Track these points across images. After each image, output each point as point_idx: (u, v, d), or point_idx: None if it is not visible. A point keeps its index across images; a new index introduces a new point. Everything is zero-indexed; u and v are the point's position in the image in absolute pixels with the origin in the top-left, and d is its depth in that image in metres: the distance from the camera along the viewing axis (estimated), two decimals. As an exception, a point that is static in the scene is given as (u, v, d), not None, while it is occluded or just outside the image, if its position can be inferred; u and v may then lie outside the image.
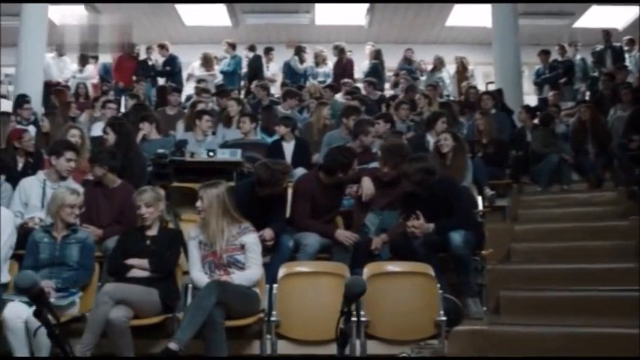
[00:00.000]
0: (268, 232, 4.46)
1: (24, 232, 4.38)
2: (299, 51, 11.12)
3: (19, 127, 6.95)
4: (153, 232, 4.18)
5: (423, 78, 11.39)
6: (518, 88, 9.60)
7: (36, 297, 1.56)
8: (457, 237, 4.36)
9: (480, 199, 5.87)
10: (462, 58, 11.43)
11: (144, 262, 4.01)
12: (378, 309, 4.05)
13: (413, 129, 7.78)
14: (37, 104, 8.65)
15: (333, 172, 4.74)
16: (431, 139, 6.52)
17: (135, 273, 3.99)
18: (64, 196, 4.15)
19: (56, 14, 10.93)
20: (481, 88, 10.46)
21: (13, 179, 5.14)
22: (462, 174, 5.54)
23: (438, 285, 4.11)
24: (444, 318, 3.97)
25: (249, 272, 3.97)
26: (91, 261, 4.21)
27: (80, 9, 11.54)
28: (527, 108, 7.98)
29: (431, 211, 4.51)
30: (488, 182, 6.40)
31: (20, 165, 5.79)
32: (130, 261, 4.03)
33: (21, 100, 7.98)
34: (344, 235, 4.59)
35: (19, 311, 3.62)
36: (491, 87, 10.04)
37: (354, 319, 3.86)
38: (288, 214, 4.86)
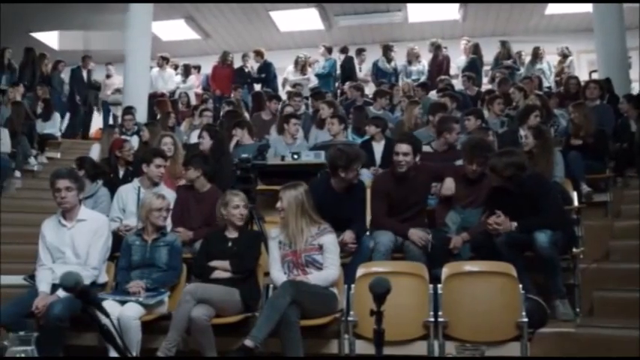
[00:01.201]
0: (349, 235, 4.50)
1: (118, 236, 4.68)
2: (386, 50, 11.05)
3: (123, 137, 7.43)
4: (234, 234, 4.34)
5: (522, 71, 10.98)
6: (624, 76, 9.02)
7: (81, 295, 1.68)
8: (543, 237, 4.16)
9: (575, 195, 5.58)
10: (563, 48, 10.91)
11: (225, 263, 4.18)
12: (457, 310, 3.97)
13: (507, 124, 7.53)
14: (143, 115, 9.21)
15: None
16: (524, 134, 6.29)
17: (217, 274, 4.17)
18: (150, 201, 4.40)
19: (160, 29, 11.58)
20: (586, 77, 9.92)
21: (114, 187, 5.50)
22: (550, 170, 5.30)
23: (520, 285, 3.97)
24: (525, 319, 3.84)
25: (326, 273, 4.02)
26: (179, 262, 4.43)
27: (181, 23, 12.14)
28: (629, 97, 7.48)
29: (517, 208, 4.34)
30: (586, 177, 6.07)
31: (121, 173, 6.18)
32: (213, 263, 4.21)
33: (125, 112, 8.51)
34: (417, 234, 4.52)
35: (111, 308, 3.88)
36: (595, 76, 9.50)
37: (431, 319, 3.94)
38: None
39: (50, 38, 12.90)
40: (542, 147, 5.37)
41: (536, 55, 10.86)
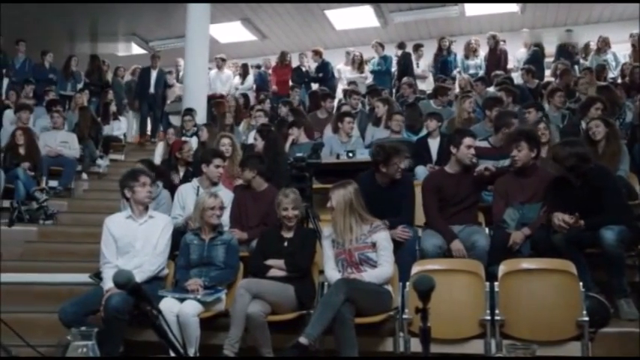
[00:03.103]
0: (401, 230, 4.50)
1: (178, 234, 4.80)
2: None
3: (182, 138, 7.63)
4: (290, 233, 4.38)
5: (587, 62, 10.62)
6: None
7: (133, 291, 1.73)
8: (609, 235, 4.00)
9: (640, 189, 5.37)
10: (638, 35, 10.43)
11: (280, 262, 4.23)
12: (515, 308, 3.90)
13: (568, 117, 7.31)
14: (202, 116, 9.40)
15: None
16: (585, 126, 6.10)
17: (273, 273, 4.22)
18: (203, 200, 4.51)
19: (217, 31, 11.79)
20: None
21: (174, 188, 5.66)
22: (615, 163, 5.12)
23: (581, 283, 3.85)
24: (586, 318, 3.73)
25: (380, 270, 4.02)
26: (236, 261, 4.52)
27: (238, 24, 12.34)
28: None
29: (579, 201, 4.19)
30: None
31: (181, 173, 6.35)
32: (269, 262, 4.27)
33: (185, 113, 8.72)
34: (457, 248, 4.46)
35: (171, 306, 4.01)
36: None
37: (487, 317, 3.87)
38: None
39: (114, 45, 13.37)
40: (610, 137, 5.19)
41: (601, 45, 10.49)
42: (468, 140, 4.77)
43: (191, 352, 3.98)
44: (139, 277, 4.03)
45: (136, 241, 4.35)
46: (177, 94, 11.11)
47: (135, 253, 4.34)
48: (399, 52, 11.11)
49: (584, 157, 4.27)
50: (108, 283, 4.20)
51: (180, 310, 4.00)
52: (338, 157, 6.41)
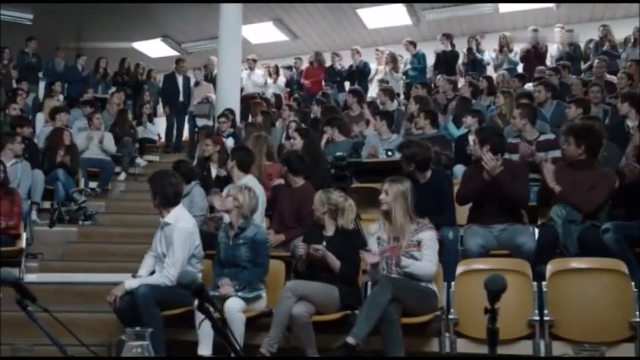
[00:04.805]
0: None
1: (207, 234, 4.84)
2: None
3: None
4: (329, 232, 4.33)
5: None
6: None
7: (197, 292, 1.73)
8: None
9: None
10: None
11: (336, 263, 4.14)
12: (564, 308, 3.83)
13: (611, 113, 7.14)
14: (236, 117, 9.43)
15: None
16: (630, 123, 5.97)
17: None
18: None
19: (249, 32, 11.83)
20: None
21: (209, 187, 5.73)
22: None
23: (633, 283, 3.75)
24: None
25: (424, 264, 3.95)
26: (263, 257, 4.35)
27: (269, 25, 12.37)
28: None
29: None
30: None
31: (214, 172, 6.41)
32: (329, 259, 4.16)
33: (220, 114, 8.77)
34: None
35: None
36: None
37: (536, 318, 3.80)
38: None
39: (146, 47, 13.51)
40: None
41: (638, 37, 10.23)
42: None
43: (204, 348, 3.98)
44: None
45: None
46: (206, 94, 10.40)
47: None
48: (447, 43, 10.80)
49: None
50: (140, 271, 4.45)
51: (225, 307, 3.96)
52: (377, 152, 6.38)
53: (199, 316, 3.89)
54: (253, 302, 4.17)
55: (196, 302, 1.76)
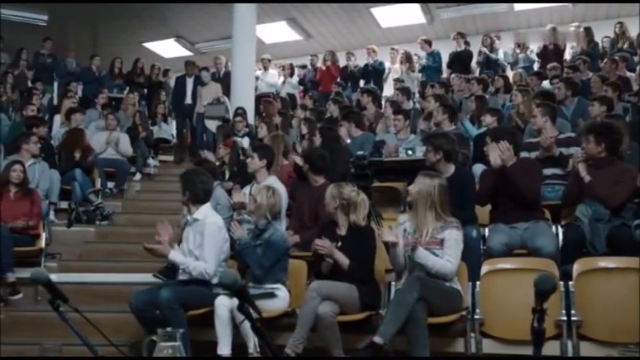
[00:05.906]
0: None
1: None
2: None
3: (233, 138, 7.65)
4: (343, 231, 4.26)
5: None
6: None
7: (238, 293, 1.70)
8: None
9: None
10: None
11: (345, 261, 4.10)
12: (592, 308, 3.77)
13: (631, 111, 7.06)
14: (250, 116, 9.41)
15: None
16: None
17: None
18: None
19: (263, 32, 11.81)
20: None
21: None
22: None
23: (663, 282, 3.69)
24: (670, 319, 3.56)
25: (444, 262, 3.86)
26: (270, 259, 4.29)
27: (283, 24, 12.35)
28: None
29: None
30: None
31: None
32: (336, 255, 4.10)
33: (235, 113, 8.75)
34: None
35: (225, 302, 3.96)
36: None
37: (564, 318, 3.74)
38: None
39: (160, 47, 13.53)
40: None
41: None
42: None
43: (250, 346, 3.97)
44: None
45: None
46: (215, 95, 9.82)
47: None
48: (461, 42, 10.72)
49: None
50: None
51: (234, 308, 3.90)
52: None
53: (239, 316, 3.89)
54: (268, 301, 4.12)
55: (236, 302, 1.73)
